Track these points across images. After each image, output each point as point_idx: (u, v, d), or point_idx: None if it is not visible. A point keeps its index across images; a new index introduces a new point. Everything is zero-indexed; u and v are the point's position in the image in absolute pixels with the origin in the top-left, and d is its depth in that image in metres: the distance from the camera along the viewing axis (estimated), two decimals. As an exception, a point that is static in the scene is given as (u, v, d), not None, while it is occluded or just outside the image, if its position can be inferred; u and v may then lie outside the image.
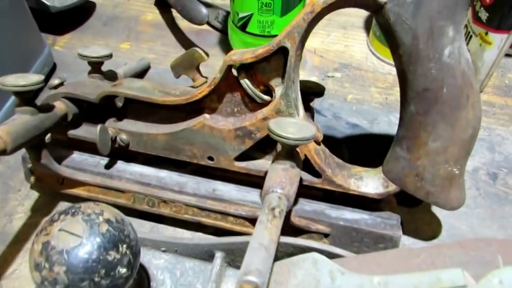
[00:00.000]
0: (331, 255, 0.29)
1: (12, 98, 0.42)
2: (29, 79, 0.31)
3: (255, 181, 0.35)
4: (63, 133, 0.36)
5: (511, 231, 0.36)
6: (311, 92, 0.36)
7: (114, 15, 0.59)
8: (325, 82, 0.51)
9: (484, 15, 0.44)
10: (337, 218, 0.33)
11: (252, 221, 0.34)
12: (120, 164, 0.37)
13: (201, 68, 0.34)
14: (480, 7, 0.45)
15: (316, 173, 0.33)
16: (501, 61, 0.49)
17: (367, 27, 0.58)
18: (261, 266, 0.21)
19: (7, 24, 0.41)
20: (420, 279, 0.22)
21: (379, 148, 0.43)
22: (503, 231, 0.37)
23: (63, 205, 0.38)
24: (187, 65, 0.34)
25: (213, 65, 0.53)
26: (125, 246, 0.26)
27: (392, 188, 0.33)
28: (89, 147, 0.37)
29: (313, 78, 0.52)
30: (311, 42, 0.56)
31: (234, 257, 0.32)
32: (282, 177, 0.27)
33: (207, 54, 0.34)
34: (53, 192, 0.38)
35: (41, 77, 0.31)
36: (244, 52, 0.31)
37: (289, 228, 0.33)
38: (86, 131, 0.36)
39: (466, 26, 0.47)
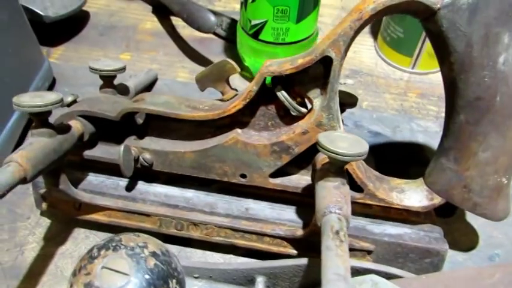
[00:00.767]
0: (387, 276, 0.27)
1: (16, 115, 0.39)
2: (45, 98, 0.28)
3: (288, 197, 0.34)
4: (77, 154, 0.33)
5: (548, 238, 0.36)
6: (343, 102, 0.35)
7: (111, 24, 0.56)
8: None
9: None
10: (380, 233, 0.32)
11: (290, 241, 0.32)
12: (142, 185, 0.34)
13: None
14: None
15: (357, 187, 0.31)
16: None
17: (374, 32, 0.57)
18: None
19: (7, 38, 0.37)
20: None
21: (404, 156, 0.42)
22: (540, 238, 0.36)
23: (79, 232, 0.35)
24: (217, 78, 0.32)
25: (221, 75, 0.51)
26: (174, 281, 0.23)
27: (438, 200, 0.31)
28: (105, 167, 0.34)
29: (325, 86, 0.50)
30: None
31: (276, 281, 0.30)
32: (338, 196, 0.26)
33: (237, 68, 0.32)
34: (66, 218, 0.34)
35: (59, 96, 0.28)
36: (281, 62, 0.29)
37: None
38: (103, 151, 0.34)
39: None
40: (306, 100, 0.31)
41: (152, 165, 0.33)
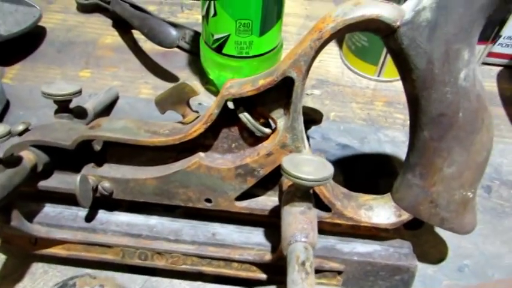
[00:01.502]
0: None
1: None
2: (-8, 129, 0.26)
3: (257, 219, 0.33)
4: (32, 185, 0.32)
5: (514, 245, 0.36)
6: (309, 119, 0.34)
7: (69, 40, 0.54)
8: (305, 100, 0.50)
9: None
10: (350, 253, 0.31)
11: (259, 265, 0.31)
12: (103, 214, 0.33)
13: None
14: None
15: (325, 207, 0.31)
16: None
17: (339, 40, 0.57)
18: None
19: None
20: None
21: (373, 168, 0.42)
22: (507, 246, 0.36)
23: (36, 266, 0.33)
24: (176, 100, 0.30)
25: (185, 89, 0.50)
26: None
27: (406, 216, 0.31)
28: (62, 197, 0.32)
29: (292, 97, 0.50)
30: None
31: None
32: (304, 223, 0.25)
33: (196, 89, 0.31)
34: (23, 253, 0.32)
35: (6, 128, 0.27)
36: (242, 83, 0.28)
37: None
38: (59, 181, 0.32)
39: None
40: (270, 120, 0.30)
41: (112, 193, 0.31)
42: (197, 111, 0.31)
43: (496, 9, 0.25)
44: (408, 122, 0.30)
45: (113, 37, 0.55)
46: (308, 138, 0.36)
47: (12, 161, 0.28)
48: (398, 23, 0.25)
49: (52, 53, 0.52)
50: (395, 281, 0.32)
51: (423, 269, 0.35)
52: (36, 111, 0.43)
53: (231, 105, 0.29)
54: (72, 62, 0.51)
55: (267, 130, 0.29)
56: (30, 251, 0.32)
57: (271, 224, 0.32)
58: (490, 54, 0.54)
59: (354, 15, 0.25)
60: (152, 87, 0.49)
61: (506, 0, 0.25)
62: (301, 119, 0.29)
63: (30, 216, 0.31)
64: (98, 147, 0.32)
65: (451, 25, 0.25)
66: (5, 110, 0.44)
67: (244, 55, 0.44)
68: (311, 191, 0.27)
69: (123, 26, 0.55)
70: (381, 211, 0.32)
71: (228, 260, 0.31)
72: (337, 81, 0.52)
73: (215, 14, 0.41)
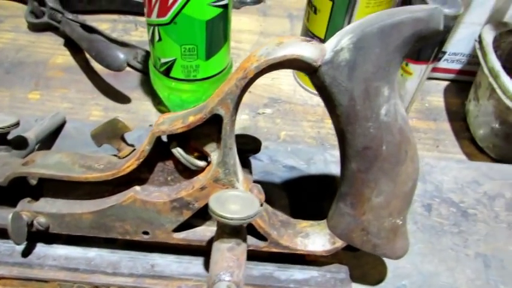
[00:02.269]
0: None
1: None
2: None
3: (196, 248, 0.33)
4: (-34, 221, 0.31)
5: (451, 263, 0.37)
6: (248, 149, 0.35)
7: (19, 60, 0.53)
8: (257, 119, 0.50)
9: (403, 48, 0.45)
10: (287, 280, 0.32)
11: (198, 295, 0.32)
12: (41, 248, 0.33)
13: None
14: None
15: (262, 236, 0.31)
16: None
17: (292, 58, 0.57)
18: None
19: None
20: None
21: (318, 190, 0.43)
22: (444, 265, 0.37)
23: (-26, 303, 0.33)
24: (111, 135, 0.30)
25: (137, 110, 0.50)
26: None
27: (340, 243, 0.32)
28: (-1, 231, 0.32)
29: (244, 117, 0.50)
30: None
31: None
32: (230, 261, 0.25)
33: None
34: (-41, 289, 0.32)
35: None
36: (173, 120, 0.29)
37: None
38: (-5, 216, 0.31)
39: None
40: (205, 154, 0.30)
41: (48, 228, 0.31)
42: (133, 145, 0.31)
43: (411, 48, 0.26)
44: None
45: (64, 57, 0.54)
46: (250, 165, 0.36)
47: None
48: (319, 63, 0.26)
49: (0, 74, 0.52)
50: (332, 305, 0.33)
51: (363, 291, 0.36)
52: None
53: (165, 138, 0.30)
54: (21, 83, 0.51)
55: (201, 164, 0.30)
56: (-35, 288, 0.32)
57: (210, 252, 0.33)
58: (437, 70, 0.56)
59: (276, 55, 0.26)
60: (103, 109, 0.49)
61: (421, 42, 0.26)
62: (233, 153, 0.29)
63: (-36, 253, 0.31)
64: (33, 181, 0.31)
65: (369, 64, 0.26)
66: None
67: (192, 78, 0.44)
68: (241, 227, 0.28)
69: (74, 45, 0.55)
70: (317, 238, 0.32)
71: (167, 292, 0.32)
72: (289, 99, 0.53)
73: (160, 39, 0.41)
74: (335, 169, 0.44)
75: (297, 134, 0.49)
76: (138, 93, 0.51)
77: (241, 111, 0.51)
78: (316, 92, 0.53)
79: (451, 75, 0.56)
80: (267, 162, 0.44)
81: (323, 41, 0.49)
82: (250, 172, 0.36)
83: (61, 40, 0.56)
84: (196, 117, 0.28)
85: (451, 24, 0.44)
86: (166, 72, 0.44)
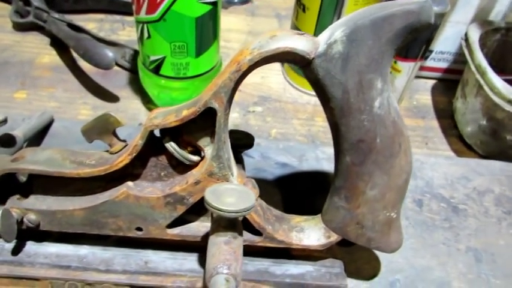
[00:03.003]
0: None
1: None
2: None
3: (190, 244, 0.33)
4: (-47, 220, 0.30)
5: (443, 258, 0.38)
6: (241, 144, 0.35)
7: (4, 60, 0.52)
8: (248, 118, 0.50)
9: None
10: (282, 275, 0.32)
11: (192, 292, 0.31)
12: (31, 246, 0.32)
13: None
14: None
15: (257, 231, 0.31)
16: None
17: (281, 57, 0.57)
18: None
19: None
20: None
21: (310, 186, 0.43)
22: (436, 259, 0.38)
23: (-39, 304, 0.32)
24: (102, 131, 0.30)
25: (126, 109, 0.49)
26: None
27: (335, 237, 0.32)
28: (-12, 230, 0.31)
29: (235, 115, 0.50)
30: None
31: None
32: (226, 254, 0.25)
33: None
34: None
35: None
36: (166, 114, 0.29)
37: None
38: (-17, 215, 0.31)
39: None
40: (199, 148, 0.30)
41: (39, 225, 0.31)
42: (125, 140, 0.31)
43: (403, 41, 0.26)
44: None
45: (50, 56, 0.54)
46: (242, 160, 0.36)
47: None
48: (312, 55, 0.26)
49: (-15, 74, 0.51)
50: (326, 300, 0.33)
51: (357, 286, 0.36)
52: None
53: (158, 133, 0.29)
54: (7, 83, 0.50)
55: (195, 158, 0.30)
56: (-48, 289, 0.31)
57: (205, 248, 0.32)
58: (424, 68, 0.56)
59: (270, 48, 0.26)
60: (92, 108, 0.48)
61: (413, 34, 0.26)
62: (227, 147, 0.29)
63: (-49, 253, 0.30)
64: (23, 178, 0.31)
65: (362, 57, 0.26)
66: None
67: (182, 76, 0.44)
68: (237, 220, 0.28)
69: (61, 45, 0.54)
70: (311, 233, 0.32)
71: (161, 288, 0.31)
72: (279, 98, 0.53)
73: (149, 37, 0.41)
74: (327, 166, 0.44)
75: (288, 132, 0.49)
76: (127, 92, 0.51)
77: (232, 109, 0.50)
78: (306, 90, 0.53)
79: (438, 74, 0.57)
80: (259, 159, 0.44)
81: (312, 39, 0.49)
82: (243, 168, 0.36)
83: (47, 39, 0.56)
84: (189, 111, 0.28)
85: (438, 22, 0.45)
86: (156, 70, 0.44)
